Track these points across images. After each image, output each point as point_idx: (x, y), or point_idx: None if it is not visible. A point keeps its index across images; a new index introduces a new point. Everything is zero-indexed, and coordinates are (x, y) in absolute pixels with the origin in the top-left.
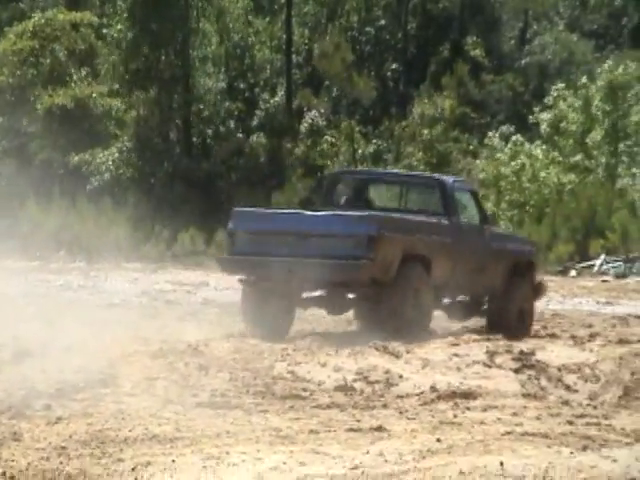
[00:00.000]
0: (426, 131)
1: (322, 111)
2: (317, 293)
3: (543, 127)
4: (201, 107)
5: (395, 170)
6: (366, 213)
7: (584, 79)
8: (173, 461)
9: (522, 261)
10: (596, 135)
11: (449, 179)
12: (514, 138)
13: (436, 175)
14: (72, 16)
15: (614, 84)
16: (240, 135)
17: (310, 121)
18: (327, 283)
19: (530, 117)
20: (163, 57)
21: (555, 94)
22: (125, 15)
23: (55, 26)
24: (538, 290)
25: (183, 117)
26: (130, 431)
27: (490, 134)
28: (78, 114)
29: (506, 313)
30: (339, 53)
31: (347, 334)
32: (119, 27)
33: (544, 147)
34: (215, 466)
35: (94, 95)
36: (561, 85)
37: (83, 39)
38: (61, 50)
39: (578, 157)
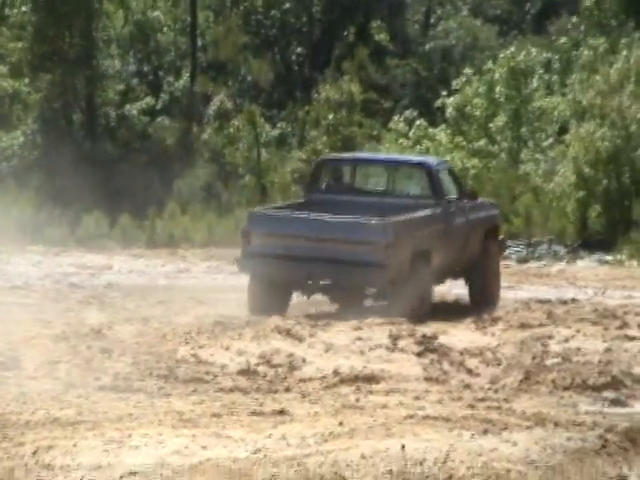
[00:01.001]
0: (330, 115)
1: (227, 95)
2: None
3: (449, 111)
4: (105, 89)
5: (381, 154)
6: (383, 220)
7: (489, 64)
8: (75, 445)
9: (492, 226)
10: (499, 120)
11: (434, 161)
12: (418, 122)
13: (421, 158)
14: None
15: (516, 69)
16: (145, 118)
17: (218, 104)
18: (345, 287)
19: (436, 102)
20: (67, 39)
21: (464, 79)
22: None
23: None
24: (502, 248)
25: (87, 99)
26: (32, 414)
27: (395, 118)
28: None
29: (487, 278)
30: (232, 36)
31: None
32: (23, 9)
33: (448, 132)
34: (117, 449)
35: None
36: (469, 70)
37: None
38: None
39: (482, 142)
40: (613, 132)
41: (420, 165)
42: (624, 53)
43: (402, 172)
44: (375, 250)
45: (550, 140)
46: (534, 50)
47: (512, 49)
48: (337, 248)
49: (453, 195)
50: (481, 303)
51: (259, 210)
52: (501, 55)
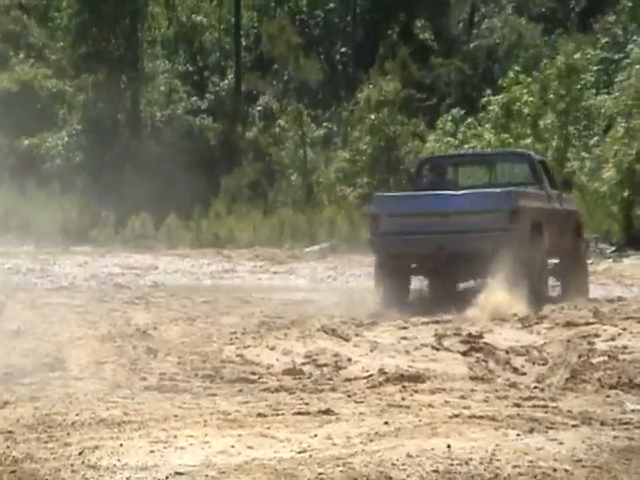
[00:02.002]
0: (373, 115)
1: (273, 95)
2: None
3: (493, 109)
4: (150, 90)
5: (478, 151)
6: (507, 189)
7: (544, 62)
8: (121, 445)
9: (579, 220)
10: (548, 119)
11: (532, 152)
12: (468, 121)
13: (520, 150)
14: None
15: (571, 68)
16: (190, 118)
17: (263, 105)
18: (474, 255)
19: (482, 100)
20: (112, 40)
21: (511, 76)
22: None
23: None
24: (587, 246)
25: (132, 100)
26: (77, 415)
27: (443, 117)
28: (24, 98)
29: (579, 271)
30: (285, 35)
31: None
32: (68, 10)
33: (493, 130)
34: (163, 450)
35: (39, 77)
36: (517, 68)
37: (15, 21)
38: None
39: (528, 140)
40: None
41: (520, 155)
42: None
43: (501, 165)
44: (501, 217)
45: (596, 138)
46: (590, 49)
47: (571, 46)
48: (465, 219)
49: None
50: (574, 298)
51: (384, 193)
52: (558, 55)
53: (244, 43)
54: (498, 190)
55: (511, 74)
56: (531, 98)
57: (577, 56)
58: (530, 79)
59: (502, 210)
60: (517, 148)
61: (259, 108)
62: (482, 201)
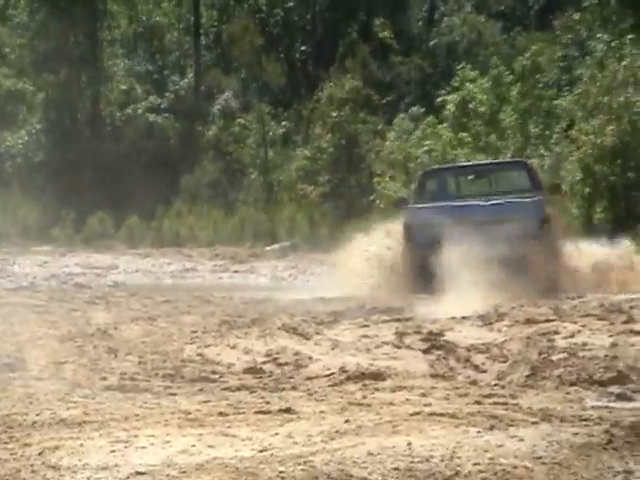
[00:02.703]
0: (334, 113)
1: (232, 93)
2: None
3: (449, 108)
4: (110, 89)
5: (477, 161)
6: (535, 198)
7: (495, 59)
8: (81, 445)
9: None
10: (507, 116)
11: (527, 160)
12: (428, 120)
13: (517, 158)
14: None
15: (532, 67)
16: (150, 117)
17: (222, 103)
18: (509, 260)
19: (438, 99)
20: (72, 39)
21: (461, 74)
22: None
23: None
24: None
25: (92, 99)
26: (38, 415)
27: (401, 116)
28: None
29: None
30: (248, 35)
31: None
32: (28, 7)
33: (450, 129)
34: (123, 449)
35: None
36: (468, 66)
37: None
38: None
39: (491, 137)
40: (619, 127)
41: (518, 163)
42: (630, 50)
43: (499, 173)
44: (531, 225)
45: (556, 137)
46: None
47: (535, 47)
48: (497, 227)
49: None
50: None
51: (418, 205)
52: (520, 56)
53: (204, 42)
54: (528, 200)
55: (462, 72)
56: (485, 96)
57: (535, 53)
58: (483, 77)
59: (531, 218)
60: (514, 157)
61: (218, 107)
62: (515, 209)
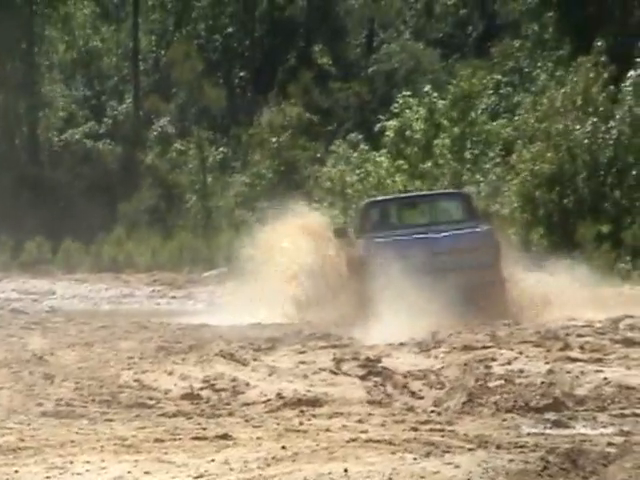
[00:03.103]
0: (274, 139)
1: (169, 119)
2: None
3: (388, 134)
4: (48, 114)
5: (418, 192)
6: (487, 228)
7: (427, 88)
8: (16, 471)
9: None
10: (441, 142)
11: (468, 191)
12: (361, 146)
13: (458, 190)
14: None
15: (464, 94)
16: (88, 142)
17: (159, 129)
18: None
19: (377, 125)
20: (9, 64)
21: (401, 101)
22: None
23: None
24: None
25: (30, 124)
26: None
27: (337, 142)
28: None
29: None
30: (189, 61)
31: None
32: None
33: (389, 155)
34: (59, 476)
35: None
36: (406, 93)
37: None
38: None
39: (428, 164)
40: (557, 155)
41: (457, 194)
42: (570, 77)
43: (440, 203)
44: (490, 252)
45: (492, 162)
46: (483, 74)
47: (465, 72)
48: (458, 257)
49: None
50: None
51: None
52: (451, 80)
53: (142, 67)
54: (479, 229)
55: (401, 100)
56: (421, 123)
57: (474, 81)
58: (418, 104)
59: (487, 247)
60: (456, 187)
61: (156, 132)
62: (469, 240)
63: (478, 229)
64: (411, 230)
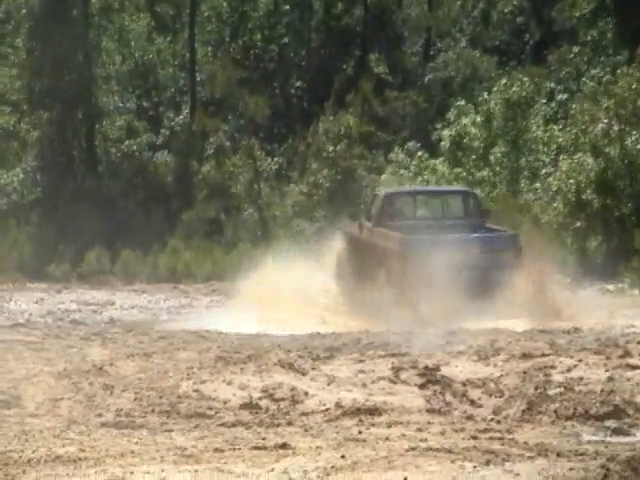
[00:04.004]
0: (331, 148)
1: (226, 129)
2: None
3: (444, 143)
4: (105, 126)
5: (433, 187)
6: (513, 232)
7: (485, 95)
8: None
9: None
10: (498, 151)
11: (474, 190)
12: (419, 154)
13: (466, 188)
14: None
15: (510, 101)
16: (145, 154)
17: (217, 141)
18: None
19: (434, 133)
20: (66, 76)
21: (456, 111)
22: (27, 34)
23: None
24: None
25: (87, 136)
26: (33, 452)
27: (395, 150)
28: None
29: None
30: (227, 72)
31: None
32: (21, 46)
33: (446, 163)
34: None
35: None
36: (462, 102)
37: None
38: None
39: (484, 172)
40: (611, 162)
41: (466, 193)
42: (620, 84)
43: (451, 199)
44: (512, 255)
45: (545, 170)
46: (527, 80)
47: (504, 81)
48: (487, 257)
49: None
50: None
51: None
52: (494, 88)
53: (199, 78)
54: (507, 234)
55: (456, 108)
56: (475, 131)
57: (514, 89)
58: (475, 112)
59: (511, 249)
60: (465, 185)
61: (212, 144)
62: (496, 243)
63: (504, 232)
64: (429, 223)
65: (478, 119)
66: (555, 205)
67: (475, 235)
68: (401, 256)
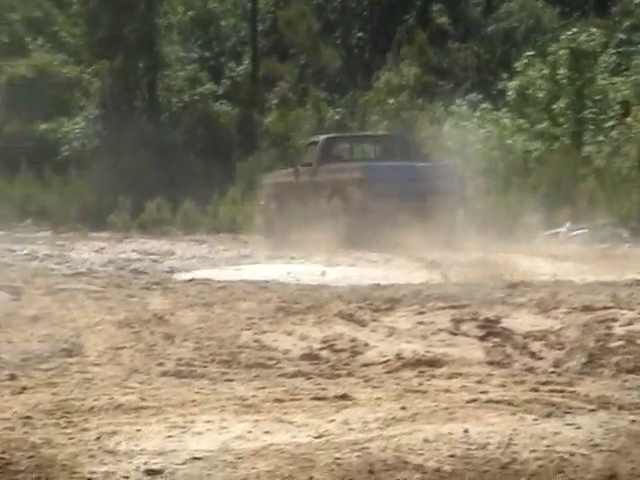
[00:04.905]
0: (391, 100)
1: (288, 79)
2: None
3: (510, 94)
4: (166, 75)
5: (368, 132)
6: (455, 161)
7: (553, 46)
8: (138, 430)
9: None
10: (561, 102)
11: (406, 133)
12: (482, 106)
13: (398, 132)
14: None
15: (577, 52)
16: (207, 104)
17: (280, 91)
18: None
19: (498, 84)
20: (128, 25)
21: (525, 61)
22: None
23: None
24: None
25: (149, 86)
26: (95, 400)
27: (457, 102)
28: (41, 84)
29: None
30: (304, 21)
31: None
32: None
33: (510, 115)
34: (180, 435)
35: (55, 64)
36: (530, 52)
37: (39, 7)
38: (17, 20)
39: (544, 124)
40: None
41: (399, 135)
42: None
43: (386, 142)
44: (455, 181)
45: (612, 122)
46: (596, 31)
47: (574, 30)
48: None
49: None
50: None
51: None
52: (562, 37)
53: (260, 28)
54: (449, 163)
55: (525, 59)
56: (541, 82)
57: (582, 38)
58: (538, 63)
59: (454, 177)
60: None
61: (275, 95)
62: (442, 170)
63: (449, 162)
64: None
65: (544, 70)
66: (623, 157)
67: (423, 164)
68: (363, 182)
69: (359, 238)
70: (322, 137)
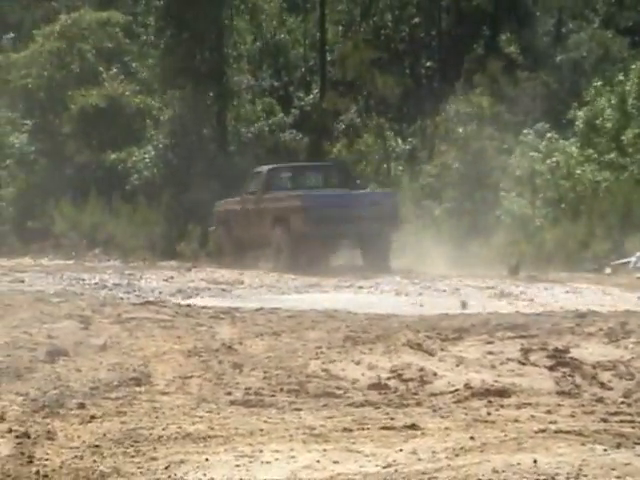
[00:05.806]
0: (460, 129)
1: (355, 108)
2: None
3: (578, 124)
4: (236, 105)
5: (305, 163)
6: (389, 190)
7: (620, 76)
8: (207, 459)
9: None
10: (630, 132)
11: (340, 162)
12: (549, 135)
13: (331, 162)
14: (99, 15)
15: None
16: (276, 133)
17: (347, 121)
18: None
19: (567, 114)
20: (198, 55)
21: (593, 91)
22: (160, 13)
23: (82, 26)
24: None
25: (218, 115)
26: (164, 429)
27: (525, 131)
28: (112, 113)
29: None
30: (358, 52)
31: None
32: (156, 25)
33: (579, 144)
34: (248, 464)
35: (127, 93)
36: (599, 82)
37: (110, 37)
38: (89, 50)
39: (612, 155)
40: None
41: (337, 165)
42: None
43: (324, 171)
44: (389, 208)
45: None
46: None
47: None
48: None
49: None
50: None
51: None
52: (632, 66)
53: (329, 58)
54: (384, 191)
55: (593, 89)
56: (609, 112)
57: None
58: (607, 92)
59: (389, 204)
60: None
61: (342, 125)
62: (376, 197)
63: (382, 191)
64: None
65: (613, 100)
66: None
67: (359, 192)
68: (302, 209)
69: (300, 262)
70: (265, 167)
